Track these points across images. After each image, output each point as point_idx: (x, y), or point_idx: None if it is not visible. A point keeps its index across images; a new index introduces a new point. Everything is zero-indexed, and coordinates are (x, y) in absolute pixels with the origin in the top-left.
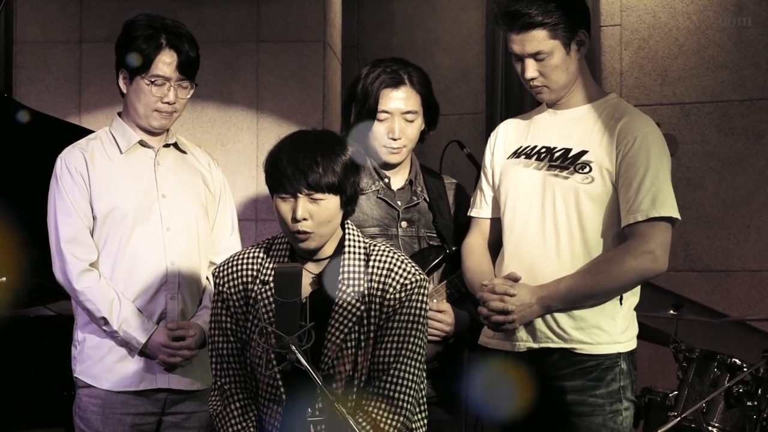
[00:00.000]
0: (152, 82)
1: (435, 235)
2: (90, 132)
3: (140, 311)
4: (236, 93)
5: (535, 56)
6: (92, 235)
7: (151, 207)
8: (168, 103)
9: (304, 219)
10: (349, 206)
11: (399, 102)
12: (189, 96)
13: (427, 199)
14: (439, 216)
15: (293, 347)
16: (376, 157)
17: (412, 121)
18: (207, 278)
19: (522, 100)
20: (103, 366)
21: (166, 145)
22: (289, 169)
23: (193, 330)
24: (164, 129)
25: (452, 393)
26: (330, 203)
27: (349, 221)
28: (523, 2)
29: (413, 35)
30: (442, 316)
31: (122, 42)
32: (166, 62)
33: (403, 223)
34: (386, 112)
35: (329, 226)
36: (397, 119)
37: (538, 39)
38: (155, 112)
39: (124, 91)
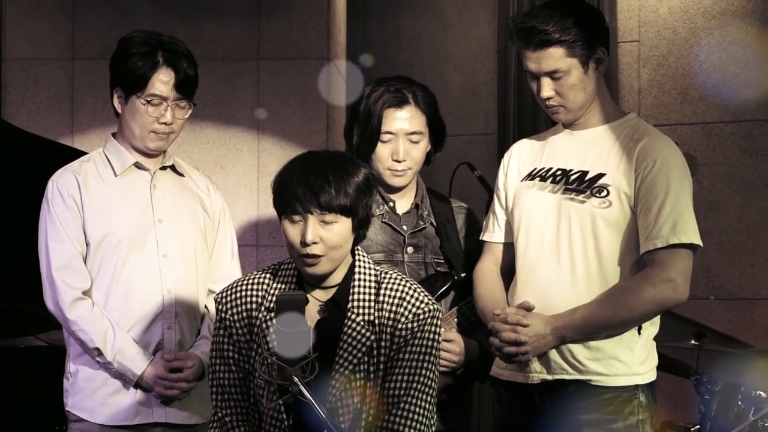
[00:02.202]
0: (148, 102)
1: (442, 261)
2: (83, 154)
3: (135, 342)
4: (236, 112)
5: (552, 75)
6: (85, 262)
7: (147, 232)
8: (165, 123)
9: (314, 243)
10: (360, 230)
11: (403, 122)
12: (187, 116)
13: (434, 224)
14: (446, 241)
15: (296, 379)
16: (380, 180)
17: (417, 143)
18: (206, 307)
19: (536, 120)
20: (96, 399)
21: (163, 168)
22: (299, 188)
23: (191, 361)
24: (161, 151)
25: (462, 427)
26: (341, 227)
27: (359, 247)
28: (539, 18)
29: (421, 52)
30: (450, 346)
31: (117, 59)
32: (163, 81)
33: (409, 249)
34: (390, 133)
35: (340, 251)
36: (402, 140)
37: (555, 57)
38: (151, 133)
39: (119, 110)
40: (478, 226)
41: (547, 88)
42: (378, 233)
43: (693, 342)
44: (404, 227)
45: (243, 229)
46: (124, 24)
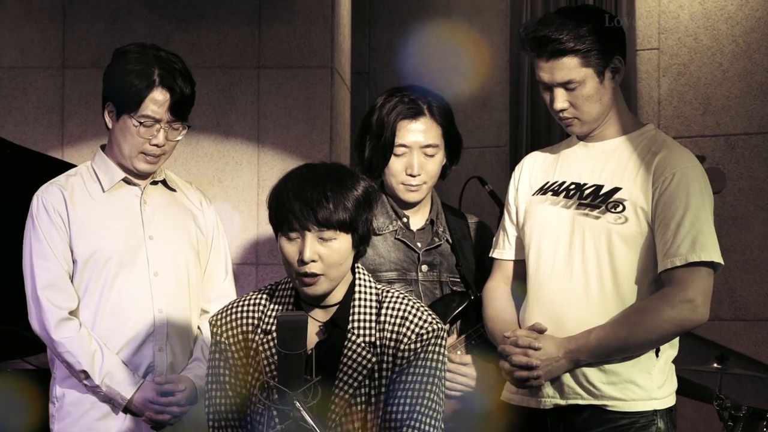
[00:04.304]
0: (141, 123)
1: (458, 280)
2: (72, 167)
3: (125, 364)
4: (235, 124)
5: (566, 85)
6: (72, 281)
7: (137, 250)
8: (156, 145)
9: (313, 261)
10: (360, 246)
11: (418, 135)
12: (180, 138)
13: (450, 241)
14: (462, 259)
15: (298, 404)
16: (394, 194)
17: (432, 156)
18: (198, 328)
19: (549, 132)
20: (83, 424)
21: (154, 183)
22: (296, 204)
23: (183, 384)
24: (149, 173)
25: None
26: (341, 243)
27: (359, 265)
28: (553, 26)
29: (429, 61)
30: (466, 370)
31: (111, 73)
32: (157, 102)
33: (424, 267)
34: (404, 145)
35: (339, 269)
36: (416, 154)
37: (569, 67)
38: (141, 154)
39: (110, 125)
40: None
41: (561, 100)
42: (391, 250)
43: (715, 365)
44: (418, 244)
45: (242, 247)
46: (117, 31)
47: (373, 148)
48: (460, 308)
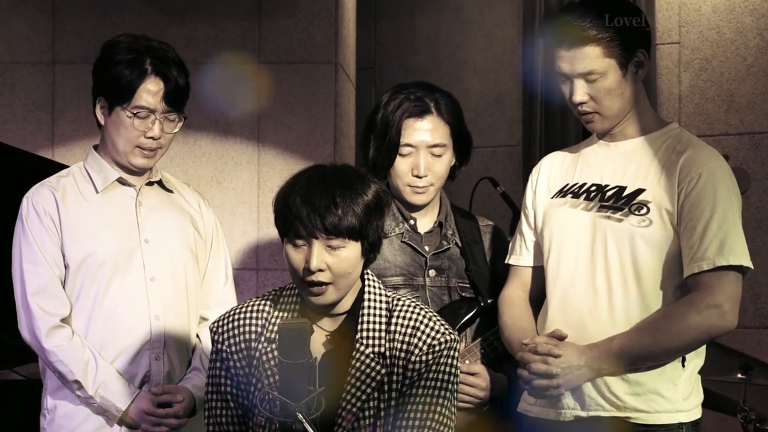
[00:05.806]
0: (135, 114)
1: (468, 286)
2: (63, 167)
3: (120, 374)
4: (234, 122)
5: (587, 77)
6: (64, 287)
7: (132, 254)
8: (152, 138)
9: (320, 270)
10: (370, 254)
11: (424, 134)
12: (176, 130)
13: (459, 244)
14: (472, 263)
15: (300, 416)
16: (400, 196)
17: (439, 156)
18: (197, 336)
19: (564, 131)
20: None
21: (149, 183)
22: (303, 210)
23: (180, 395)
24: (146, 169)
25: None
26: (350, 251)
27: (369, 271)
28: (575, 14)
29: (438, 55)
30: (474, 380)
31: (101, 66)
32: (151, 91)
33: (431, 272)
34: (410, 145)
35: (348, 279)
36: (423, 154)
37: (591, 57)
38: (137, 148)
39: (102, 122)
40: (507, 246)
41: (581, 92)
42: (397, 254)
43: (739, 375)
44: (426, 248)
45: (242, 251)
46: (110, 25)
47: (378, 148)
48: (468, 315)
